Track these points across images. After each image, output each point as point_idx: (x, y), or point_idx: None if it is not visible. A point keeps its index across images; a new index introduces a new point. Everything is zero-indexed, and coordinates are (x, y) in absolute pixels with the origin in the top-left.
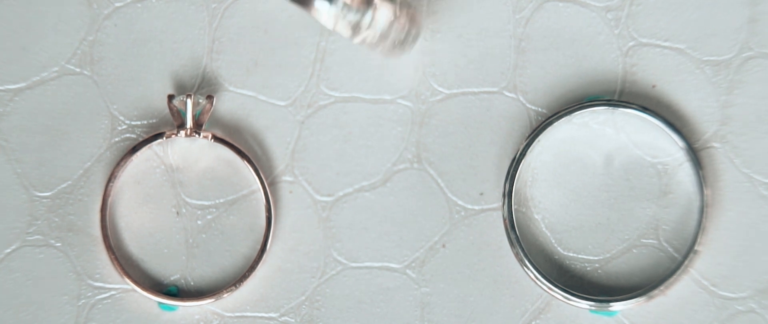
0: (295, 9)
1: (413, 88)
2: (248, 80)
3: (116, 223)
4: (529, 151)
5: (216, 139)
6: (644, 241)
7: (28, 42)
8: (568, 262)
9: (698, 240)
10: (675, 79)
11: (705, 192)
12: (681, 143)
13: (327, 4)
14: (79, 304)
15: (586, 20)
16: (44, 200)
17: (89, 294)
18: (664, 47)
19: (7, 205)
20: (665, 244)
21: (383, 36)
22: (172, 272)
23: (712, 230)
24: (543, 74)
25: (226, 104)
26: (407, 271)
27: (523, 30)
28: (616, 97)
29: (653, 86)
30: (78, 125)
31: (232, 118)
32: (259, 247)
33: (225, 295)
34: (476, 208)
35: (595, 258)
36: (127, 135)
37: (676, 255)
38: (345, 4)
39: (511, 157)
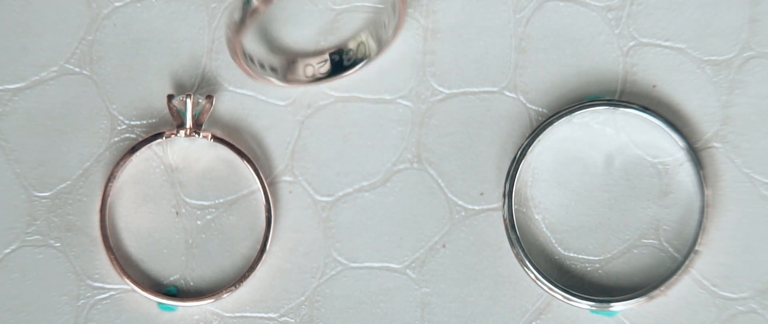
0: (295, 9)
1: (413, 88)
2: (248, 80)
3: (116, 223)
4: (529, 151)
5: (216, 139)
6: (645, 241)
7: (27, 42)
8: (568, 263)
9: (699, 240)
10: (676, 78)
11: (706, 192)
12: (682, 143)
13: None
14: (79, 304)
15: (586, 20)
16: (43, 200)
17: (88, 294)
18: (665, 47)
19: (6, 205)
20: (666, 245)
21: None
22: (171, 272)
23: (713, 230)
24: (543, 74)
25: (226, 104)
26: (407, 271)
27: (524, 30)
28: (616, 97)
29: (654, 86)
30: (77, 125)
31: (231, 118)
32: (258, 247)
33: (225, 296)
34: (476, 208)
35: (596, 258)
36: (127, 135)
37: (676, 255)
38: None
39: (512, 157)
